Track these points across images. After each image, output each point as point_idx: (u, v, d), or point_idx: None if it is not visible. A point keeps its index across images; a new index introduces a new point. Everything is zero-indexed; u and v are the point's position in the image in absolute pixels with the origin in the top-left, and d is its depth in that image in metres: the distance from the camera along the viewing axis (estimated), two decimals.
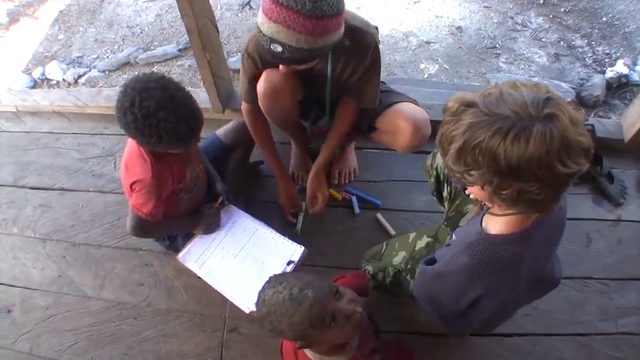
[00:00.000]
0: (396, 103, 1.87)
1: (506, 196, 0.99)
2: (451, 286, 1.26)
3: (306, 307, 1.20)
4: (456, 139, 0.98)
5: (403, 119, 1.80)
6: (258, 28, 1.45)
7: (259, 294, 1.29)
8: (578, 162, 0.93)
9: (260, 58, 1.74)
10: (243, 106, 1.98)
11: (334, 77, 1.77)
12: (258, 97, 1.81)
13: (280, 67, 1.65)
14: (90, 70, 3.54)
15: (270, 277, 1.32)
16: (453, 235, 1.37)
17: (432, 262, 1.34)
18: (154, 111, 1.41)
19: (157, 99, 1.41)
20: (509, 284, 1.16)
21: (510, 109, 0.93)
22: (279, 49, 1.44)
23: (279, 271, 1.79)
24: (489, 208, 1.18)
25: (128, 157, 1.68)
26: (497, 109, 0.94)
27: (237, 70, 3.19)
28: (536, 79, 3.14)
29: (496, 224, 1.15)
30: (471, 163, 0.99)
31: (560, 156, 0.91)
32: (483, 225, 1.20)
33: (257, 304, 1.28)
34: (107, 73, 3.53)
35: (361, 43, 1.67)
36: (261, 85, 1.77)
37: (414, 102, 1.92)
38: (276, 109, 1.87)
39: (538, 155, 0.91)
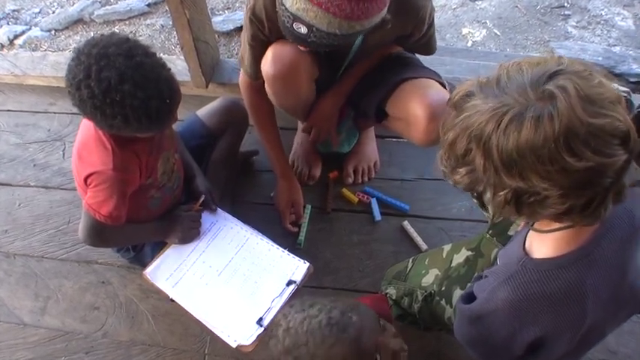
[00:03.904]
0: (410, 79, 1.88)
1: (503, 199, 1.05)
2: (497, 328, 1.28)
3: (353, 335, 1.22)
4: (450, 130, 1.08)
5: (416, 102, 1.80)
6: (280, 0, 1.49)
7: (277, 321, 1.29)
8: (604, 151, 0.94)
9: (269, 23, 1.75)
10: (243, 78, 2.01)
11: (365, 48, 1.80)
12: (266, 81, 1.85)
13: (299, 46, 1.68)
14: (30, 29, 3.59)
15: (293, 301, 1.33)
16: (498, 261, 1.40)
17: (471, 297, 1.35)
18: (117, 83, 1.44)
19: (119, 68, 1.45)
20: (572, 321, 1.19)
21: (510, 96, 0.99)
22: (304, 30, 1.48)
23: (276, 293, 1.84)
24: (533, 222, 1.20)
25: (82, 143, 1.73)
26: (495, 98, 1.01)
27: (225, 33, 3.28)
28: (617, 48, 3.16)
29: (542, 244, 1.19)
30: (461, 158, 1.08)
31: (569, 144, 0.94)
32: (527, 246, 1.23)
33: (272, 334, 1.28)
34: (53, 32, 3.57)
35: (409, 16, 1.72)
36: (268, 66, 1.79)
37: (437, 78, 1.92)
38: (289, 95, 1.91)
39: (533, 145, 0.95)
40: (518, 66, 1.03)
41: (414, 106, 1.80)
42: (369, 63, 1.96)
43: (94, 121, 1.56)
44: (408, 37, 1.84)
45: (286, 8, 1.48)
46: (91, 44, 1.49)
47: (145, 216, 1.92)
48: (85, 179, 1.70)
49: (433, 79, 1.89)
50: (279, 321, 1.29)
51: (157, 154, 1.80)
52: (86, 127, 1.71)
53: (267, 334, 1.32)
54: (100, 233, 1.78)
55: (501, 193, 1.04)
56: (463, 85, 1.09)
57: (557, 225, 1.12)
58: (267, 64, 1.80)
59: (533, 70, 1.00)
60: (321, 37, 1.48)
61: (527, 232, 1.24)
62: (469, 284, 1.53)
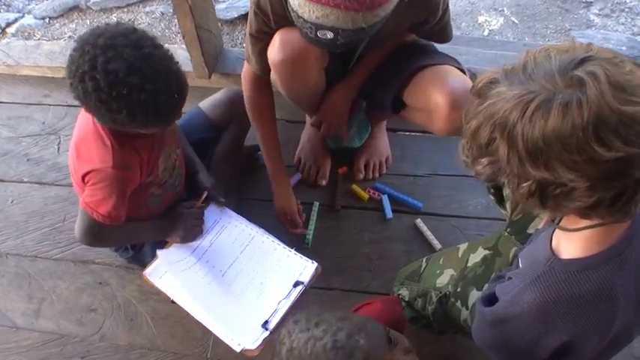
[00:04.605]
0: (428, 66, 1.87)
1: (527, 190, 1.04)
2: (520, 332, 1.27)
3: (359, 359, 1.22)
4: (473, 118, 1.07)
5: (437, 90, 1.79)
6: (296, 13, 1.50)
7: (281, 338, 1.29)
8: (635, 141, 0.93)
9: (274, 16, 1.75)
10: (246, 69, 2.01)
11: (378, 37, 1.81)
12: (273, 68, 1.84)
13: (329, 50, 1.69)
14: (23, 16, 3.59)
15: (297, 316, 1.31)
16: (519, 261, 1.39)
17: (492, 299, 1.35)
18: (125, 76, 1.44)
19: (128, 60, 1.44)
20: (601, 325, 1.18)
21: (537, 83, 0.98)
22: (330, 35, 1.48)
23: (282, 295, 1.84)
24: (559, 220, 1.20)
25: (81, 138, 1.72)
26: (521, 85, 1.00)
27: (228, 21, 3.28)
28: None
29: (570, 244, 1.18)
30: (484, 148, 1.07)
31: (598, 133, 0.92)
32: (554, 245, 1.22)
33: (275, 352, 1.28)
34: (47, 20, 3.57)
35: (422, 3, 1.72)
36: (276, 53, 1.78)
37: (456, 65, 1.92)
38: (297, 82, 1.90)
39: (560, 133, 0.94)
40: (546, 52, 1.02)
41: (435, 94, 1.79)
42: (381, 53, 1.96)
43: (98, 115, 1.55)
44: (423, 25, 1.84)
45: (305, 20, 1.47)
46: (97, 34, 1.48)
47: (145, 214, 1.92)
48: (83, 177, 1.69)
49: (452, 66, 1.89)
50: (283, 338, 1.28)
51: (159, 151, 1.80)
52: (84, 120, 1.70)
53: (272, 351, 1.31)
54: (97, 233, 1.78)
55: (525, 184, 1.03)
56: (487, 72, 1.08)
57: (584, 223, 1.11)
58: (274, 51, 1.79)
59: (561, 56, 0.99)
60: (349, 36, 1.49)
61: (554, 230, 1.23)
62: (486, 285, 1.53)
